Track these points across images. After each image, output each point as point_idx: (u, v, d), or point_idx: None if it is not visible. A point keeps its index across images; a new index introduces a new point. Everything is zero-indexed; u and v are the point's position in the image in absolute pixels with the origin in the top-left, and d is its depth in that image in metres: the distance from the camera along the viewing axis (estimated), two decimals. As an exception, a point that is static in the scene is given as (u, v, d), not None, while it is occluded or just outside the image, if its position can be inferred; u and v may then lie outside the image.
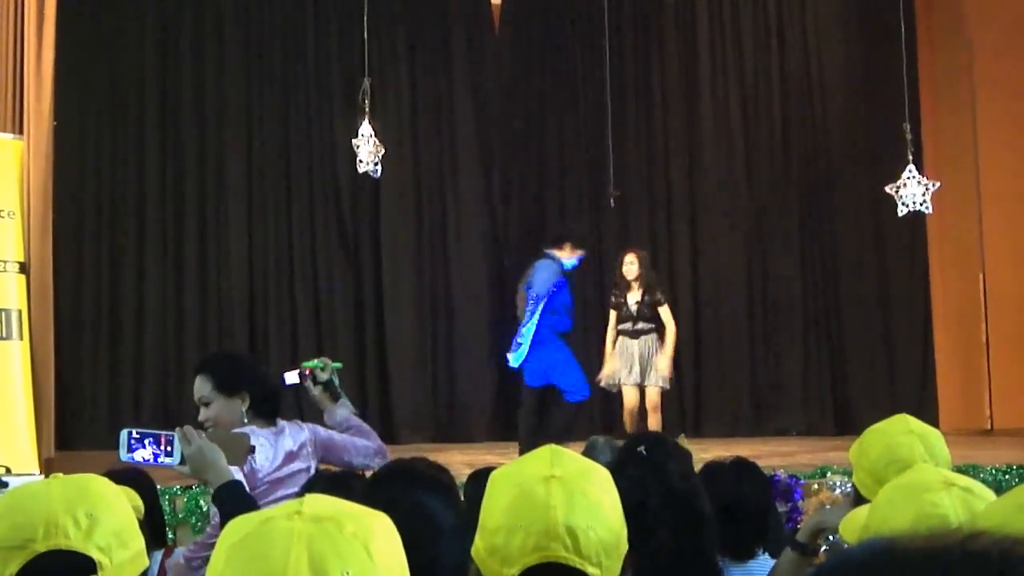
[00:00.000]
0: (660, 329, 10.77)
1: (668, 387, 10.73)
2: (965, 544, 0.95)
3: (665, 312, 10.69)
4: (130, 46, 13.48)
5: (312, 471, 4.55)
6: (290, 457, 4.49)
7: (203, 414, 4.57)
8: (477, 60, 14.11)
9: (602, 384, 10.86)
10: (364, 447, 4.64)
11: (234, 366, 4.76)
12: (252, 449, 3.99)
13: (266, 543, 1.49)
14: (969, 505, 2.30)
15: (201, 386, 4.59)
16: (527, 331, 9.98)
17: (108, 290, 13.29)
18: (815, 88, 14.29)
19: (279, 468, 4.49)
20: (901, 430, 3.30)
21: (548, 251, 10.36)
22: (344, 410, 4.82)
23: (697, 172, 14.13)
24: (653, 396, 10.59)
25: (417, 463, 3.04)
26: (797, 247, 14.12)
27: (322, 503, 1.55)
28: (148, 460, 3.70)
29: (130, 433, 3.67)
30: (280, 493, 4.46)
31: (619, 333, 10.77)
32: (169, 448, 3.66)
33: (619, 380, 10.68)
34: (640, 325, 10.65)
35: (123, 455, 3.67)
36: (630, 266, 10.69)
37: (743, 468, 4.28)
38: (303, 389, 5.10)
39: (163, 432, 3.70)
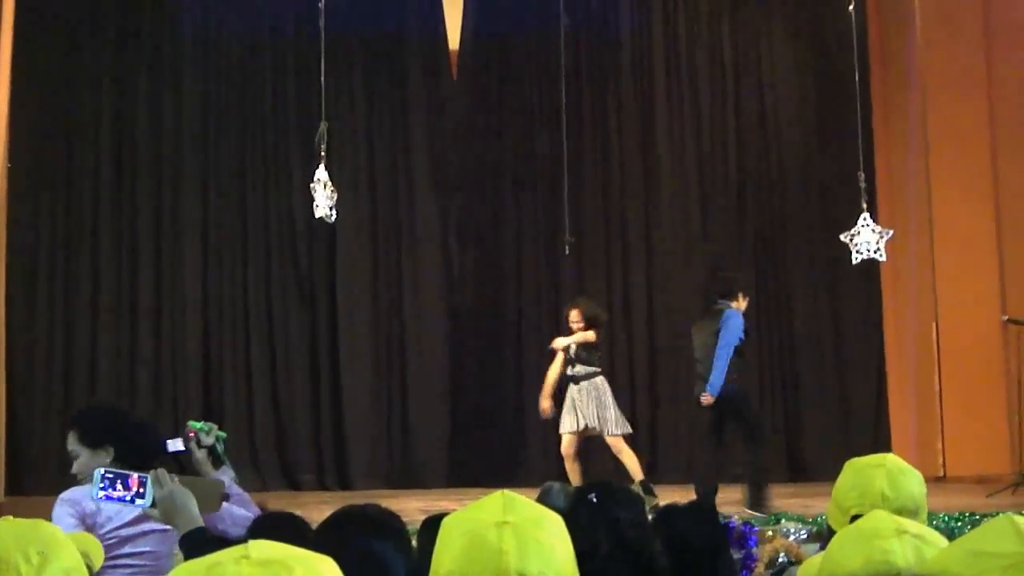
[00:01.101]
0: (604, 371, 10.85)
1: (619, 431, 10.70)
2: None
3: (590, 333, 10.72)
4: (86, 87, 13.46)
5: (171, 534, 4.34)
6: (146, 517, 4.22)
7: (74, 467, 4.61)
8: (434, 105, 14.13)
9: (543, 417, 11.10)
10: (242, 517, 4.42)
11: (99, 419, 4.77)
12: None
13: (215, 589, 1.47)
14: (921, 552, 2.30)
15: (70, 440, 4.63)
16: (718, 373, 10.04)
17: (61, 334, 13.21)
18: (770, 136, 14.37)
19: (129, 524, 4.44)
20: (873, 463, 3.31)
21: (722, 301, 10.30)
22: (225, 478, 4.71)
23: (653, 218, 14.17)
24: (612, 443, 10.63)
25: (368, 509, 3.03)
26: (752, 295, 14.16)
27: (268, 548, 1.54)
28: (122, 500, 3.68)
29: (104, 472, 3.65)
30: (126, 550, 4.41)
31: (564, 379, 10.86)
32: (141, 490, 3.64)
33: (565, 427, 10.77)
34: (577, 368, 10.69)
35: (95, 494, 3.65)
36: (576, 324, 10.78)
37: (697, 510, 4.27)
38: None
39: (137, 474, 3.67)
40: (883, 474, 3.25)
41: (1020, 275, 12.69)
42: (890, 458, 3.35)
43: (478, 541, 2.07)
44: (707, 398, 9.98)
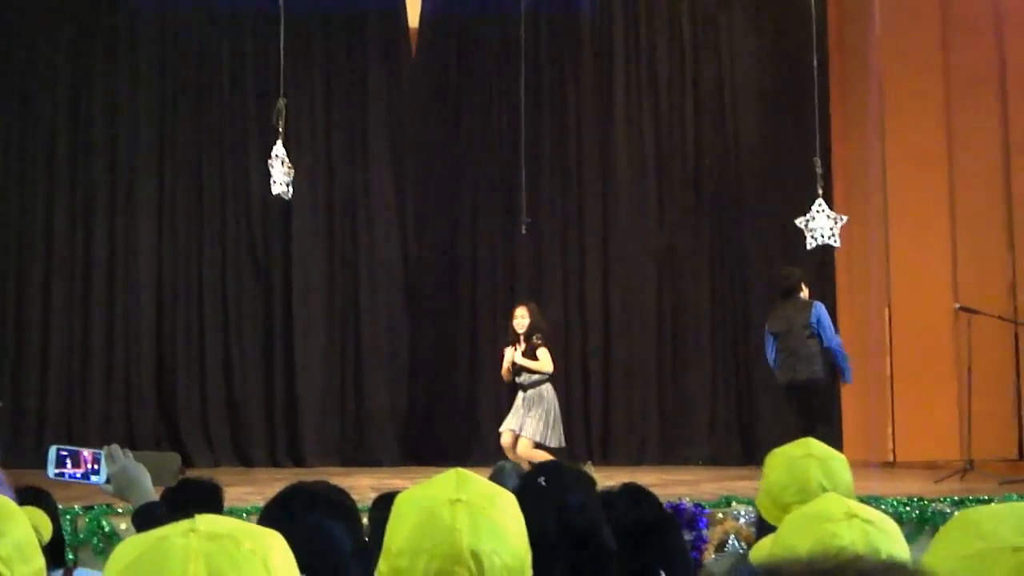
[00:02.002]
0: (551, 378, 10.80)
1: (541, 440, 10.64)
2: (844, 569, 0.96)
3: (543, 353, 10.65)
4: (42, 63, 13.36)
5: None
6: None
7: None
8: (393, 83, 14.09)
9: None
10: None
11: None
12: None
13: (163, 561, 1.46)
14: (869, 536, 2.31)
15: None
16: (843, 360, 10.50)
17: (13, 309, 13.15)
18: (728, 120, 14.42)
19: None
20: (801, 453, 3.32)
21: (798, 298, 10.52)
22: None
23: (610, 200, 14.20)
24: (522, 446, 10.54)
25: (317, 486, 3.01)
26: (707, 278, 14.22)
27: (216, 521, 1.53)
28: (75, 477, 3.66)
29: (58, 450, 3.63)
30: None
31: (513, 387, 10.85)
32: (96, 466, 3.62)
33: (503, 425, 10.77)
34: (524, 377, 10.65)
35: (51, 472, 3.63)
36: (521, 320, 10.70)
37: (635, 492, 4.27)
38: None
39: (91, 450, 3.65)
40: (816, 465, 3.26)
41: (973, 263, 12.79)
42: (813, 444, 3.37)
43: (431, 518, 2.06)
44: (848, 385, 10.54)
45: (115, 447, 3.64)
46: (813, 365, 10.28)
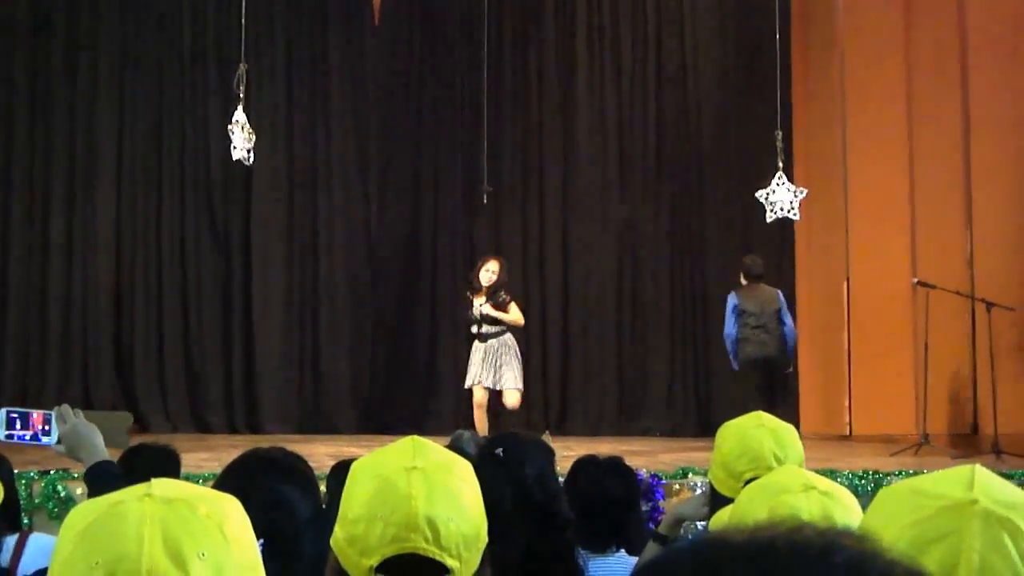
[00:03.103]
0: (510, 328, 10.91)
1: (520, 388, 10.85)
2: (788, 536, 0.97)
3: (514, 307, 10.81)
4: (1, 24, 13.23)
5: None
6: None
7: None
8: (355, 51, 14.04)
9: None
10: None
11: None
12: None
13: (118, 526, 1.45)
14: (826, 508, 2.32)
15: None
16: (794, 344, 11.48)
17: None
18: (690, 94, 14.42)
19: None
20: (753, 424, 3.37)
21: (763, 283, 11.27)
22: None
23: (571, 172, 14.20)
24: (508, 399, 10.70)
25: (274, 452, 3.01)
26: (667, 250, 14.24)
27: (172, 486, 1.52)
28: (26, 438, 3.65)
29: (8, 412, 3.63)
30: None
31: (472, 336, 10.93)
32: (47, 427, 3.62)
33: (471, 380, 10.82)
34: (485, 328, 10.74)
35: (1, 434, 3.62)
36: (491, 274, 10.75)
37: (613, 466, 4.31)
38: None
39: (41, 411, 3.65)
40: (768, 435, 3.32)
41: (931, 238, 12.83)
42: (764, 416, 3.43)
43: (387, 486, 2.06)
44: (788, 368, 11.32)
45: (65, 407, 3.64)
46: (781, 343, 10.73)
